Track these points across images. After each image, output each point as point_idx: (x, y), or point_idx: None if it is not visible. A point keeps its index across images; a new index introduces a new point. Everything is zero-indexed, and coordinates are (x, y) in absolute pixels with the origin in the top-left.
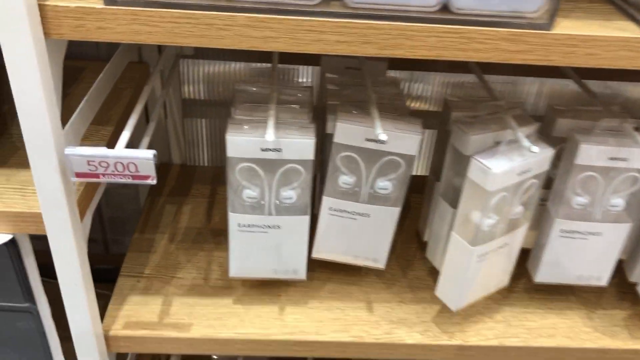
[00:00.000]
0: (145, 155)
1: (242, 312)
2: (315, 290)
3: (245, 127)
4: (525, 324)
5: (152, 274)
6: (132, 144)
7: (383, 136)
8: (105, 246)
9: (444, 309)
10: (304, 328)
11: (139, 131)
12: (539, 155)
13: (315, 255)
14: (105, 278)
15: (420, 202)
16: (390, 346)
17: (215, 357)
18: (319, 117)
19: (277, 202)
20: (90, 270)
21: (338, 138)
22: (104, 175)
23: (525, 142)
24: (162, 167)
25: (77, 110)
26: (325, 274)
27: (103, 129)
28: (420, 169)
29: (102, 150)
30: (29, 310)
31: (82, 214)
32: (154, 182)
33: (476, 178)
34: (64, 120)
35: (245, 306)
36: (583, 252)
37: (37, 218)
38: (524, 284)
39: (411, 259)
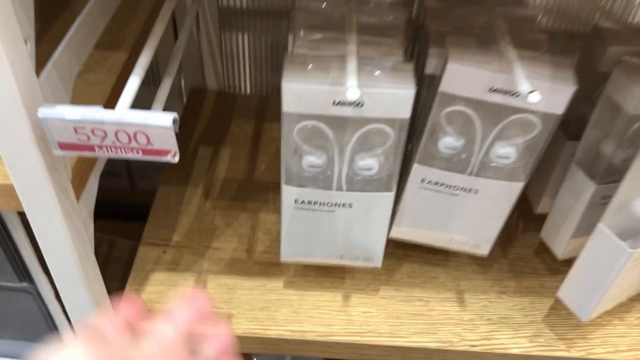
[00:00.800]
0: (160, 121)
1: (295, 300)
2: (390, 273)
3: (310, 66)
4: None
5: (182, 242)
6: (153, 77)
7: (535, 96)
8: (131, 181)
9: (558, 304)
10: (377, 327)
11: (165, 52)
12: None
13: (395, 235)
14: (131, 215)
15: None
16: (490, 356)
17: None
18: (413, 49)
19: (351, 173)
20: (97, 264)
21: (446, 86)
22: (100, 148)
23: None
24: (195, 94)
25: (63, 43)
26: (401, 249)
27: (110, 59)
28: None
29: (94, 112)
30: (27, 290)
31: (78, 190)
32: (176, 158)
33: None
34: (42, 62)
35: (300, 292)
36: None
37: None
38: None
39: (512, 232)
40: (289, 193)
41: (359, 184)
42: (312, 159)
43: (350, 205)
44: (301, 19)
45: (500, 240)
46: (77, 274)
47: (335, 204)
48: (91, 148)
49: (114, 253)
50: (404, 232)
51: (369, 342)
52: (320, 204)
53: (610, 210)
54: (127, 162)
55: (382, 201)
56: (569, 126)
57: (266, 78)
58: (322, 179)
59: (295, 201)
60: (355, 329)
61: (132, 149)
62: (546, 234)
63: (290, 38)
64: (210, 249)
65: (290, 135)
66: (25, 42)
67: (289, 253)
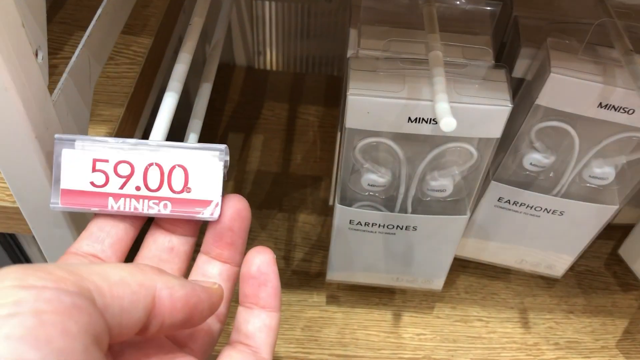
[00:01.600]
0: (208, 156)
1: (340, 318)
2: (445, 288)
3: (381, 74)
4: None
5: None
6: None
7: None
8: None
9: (633, 327)
10: (431, 352)
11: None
12: None
13: (462, 254)
14: None
15: None
16: None
17: None
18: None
19: (419, 193)
20: None
21: (545, 99)
22: (116, 198)
23: None
24: (222, 71)
25: (81, 42)
26: (456, 258)
27: (132, 45)
28: None
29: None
30: None
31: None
32: (216, 214)
33: None
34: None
35: (345, 309)
36: None
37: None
38: None
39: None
40: (343, 213)
41: (426, 205)
42: (374, 178)
43: (415, 229)
44: (366, 10)
45: None
46: None
47: (397, 227)
48: (104, 198)
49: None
50: (469, 251)
51: None
52: (379, 226)
53: None
54: None
55: (453, 225)
56: None
57: (301, 52)
58: (384, 199)
59: (350, 222)
60: (408, 355)
61: (159, 200)
62: (627, 251)
63: (352, 34)
64: None
65: (351, 152)
66: (36, 54)
67: (337, 273)
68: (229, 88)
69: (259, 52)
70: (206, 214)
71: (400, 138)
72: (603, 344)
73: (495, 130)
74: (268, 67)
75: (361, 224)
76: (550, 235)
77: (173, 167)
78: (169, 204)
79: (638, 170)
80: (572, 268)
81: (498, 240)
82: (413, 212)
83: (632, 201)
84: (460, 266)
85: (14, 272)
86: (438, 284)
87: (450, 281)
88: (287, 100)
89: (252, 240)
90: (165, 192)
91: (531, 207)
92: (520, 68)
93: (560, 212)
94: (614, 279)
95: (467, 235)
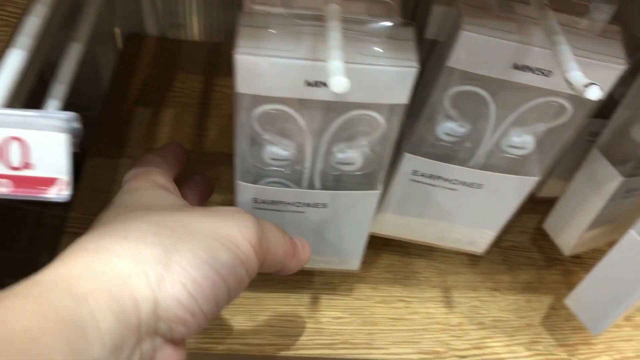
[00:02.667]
0: (51, 124)
1: (253, 305)
2: (365, 267)
3: (274, 31)
4: None
5: None
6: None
7: (594, 92)
8: None
9: (558, 303)
10: (350, 336)
11: None
12: None
13: (376, 231)
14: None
15: None
16: None
17: None
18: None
19: (327, 167)
20: None
21: (457, 60)
22: None
23: None
24: (132, 41)
25: None
26: (378, 237)
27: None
28: None
29: None
30: None
31: None
32: (64, 194)
33: None
34: None
35: (258, 295)
36: None
37: None
38: None
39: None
40: (245, 191)
41: (335, 180)
42: (276, 151)
43: (325, 206)
44: None
45: None
46: None
47: (306, 204)
48: None
49: (45, 221)
50: (387, 228)
51: (342, 356)
52: (285, 204)
53: None
54: None
55: (365, 201)
56: None
57: (218, 18)
58: (290, 174)
59: (254, 200)
60: (326, 340)
61: None
62: (551, 225)
63: None
64: None
65: (247, 121)
66: None
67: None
68: (138, 59)
69: (175, 23)
70: (51, 193)
71: (301, 105)
72: (528, 322)
73: (402, 96)
74: (183, 37)
75: (266, 202)
76: (469, 210)
77: (7, 140)
78: (8, 182)
79: (558, 139)
80: (497, 244)
81: (416, 216)
82: (323, 188)
83: (558, 173)
84: (382, 244)
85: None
86: (354, 264)
87: (371, 261)
88: (202, 73)
89: None
90: (0, 169)
91: (448, 180)
92: (433, 28)
93: (479, 185)
94: (540, 254)
95: (385, 211)
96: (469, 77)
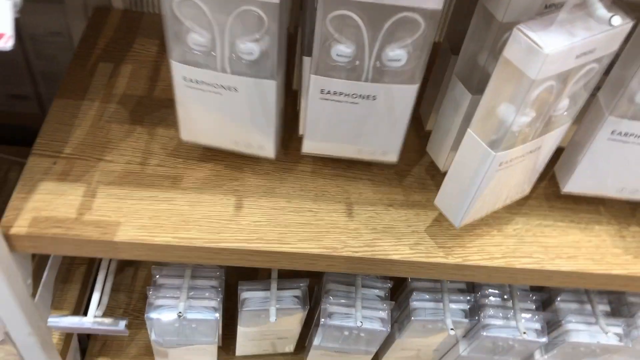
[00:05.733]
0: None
1: (186, 210)
2: (282, 184)
3: None
4: (541, 241)
5: (74, 154)
6: None
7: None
8: (40, 103)
9: (442, 217)
10: (265, 234)
11: None
12: (612, 30)
13: (307, 150)
14: None
15: (427, 79)
16: (370, 262)
17: None
18: None
19: (234, 56)
20: None
21: None
22: None
23: (600, 9)
24: (100, 13)
25: None
26: (297, 162)
27: None
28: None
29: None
30: None
31: None
32: (9, 44)
33: (515, 58)
34: None
35: (192, 202)
36: (632, 161)
37: None
38: (544, 189)
39: (406, 151)
40: (177, 70)
41: (242, 67)
42: (196, 37)
43: (236, 89)
44: None
45: None
46: None
47: (221, 86)
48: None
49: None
50: (314, 145)
51: (256, 248)
52: (207, 85)
53: (478, 117)
54: (35, 86)
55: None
56: (455, 41)
57: None
58: (207, 59)
59: (184, 78)
60: (244, 237)
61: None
62: (431, 147)
63: None
64: (103, 161)
65: (170, 8)
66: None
67: (186, 132)
68: (103, 29)
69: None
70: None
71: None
72: (414, 229)
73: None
74: (146, 10)
75: (192, 81)
76: (373, 122)
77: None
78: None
79: (424, 49)
80: (397, 172)
81: (334, 132)
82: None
83: (436, 108)
84: (299, 166)
85: None
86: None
87: (287, 180)
88: (159, 39)
89: (112, 149)
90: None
91: (349, 95)
92: None
93: (373, 97)
94: (432, 181)
95: (310, 131)
96: (341, 3)
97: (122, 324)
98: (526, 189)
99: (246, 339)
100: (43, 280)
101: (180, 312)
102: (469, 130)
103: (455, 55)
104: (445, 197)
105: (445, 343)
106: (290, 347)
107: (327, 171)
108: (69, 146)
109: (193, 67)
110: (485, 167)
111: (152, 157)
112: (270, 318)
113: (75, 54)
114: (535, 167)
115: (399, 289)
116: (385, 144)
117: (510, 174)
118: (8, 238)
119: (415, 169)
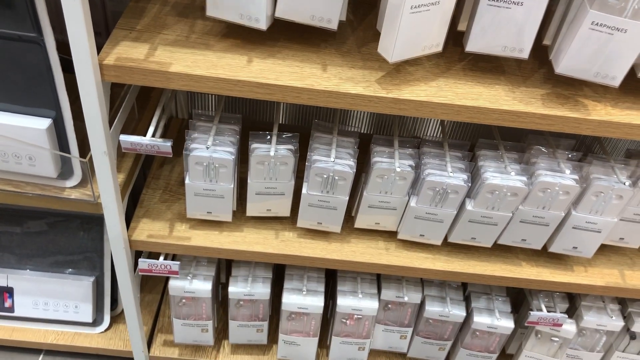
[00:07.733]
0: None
1: (215, 60)
2: (279, 52)
3: None
4: (454, 90)
5: (142, 29)
6: None
7: None
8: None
9: (388, 74)
10: (266, 75)
11: None
12: None
13: (279, 15)
14: None
15: None
16: (337, 94)
17: None
18: None
19: None
20: None
21: None
22: None
23: None
24: None
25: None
26: (290, 41)
27: None
28: None
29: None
30: (37, 41)
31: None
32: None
33: None
34: None
35: (219, 55)
36: (509, 23)
37: None
38: (462, 66)
39: (369, 41)
40: None
41: None
42: None
43: None
44: None
45: (358, 44)
46: None
47: None
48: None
49: None
50: (279, 10)
51: (260, 82)
52: None
53: None
54: (107, 23)
55: None
56: None
57: None
58: None
59: None
60: (253, 75)
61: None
62: (379, 23)
63: None
64: (161, 34)
65: None
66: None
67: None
68: None
69: None
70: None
71: None
72: (367, 79)
73: None
74: None
75: None
76: None
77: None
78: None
79: None
80: (359, 51)
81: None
82: None
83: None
84: (292, 44)
85: None
86: (261, 24)
87: (283, 50)
88: None
89: (167, 28)
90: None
91: None
92: None
93: None
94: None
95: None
96: None
97: (168, 143)
98: (440, 44)
99: (252, 193)
100: (121, 110)
101: (208, 145)
102: None
103: None
104: (382, 43)
105: (398, 192)
106: (286, 209)
107: (309, 47)
108: (140, 25)
109: None
110: (402, 10)
111: (194, 35)
112: (270, 152)
113: None
114: (443, 21)
115: (366, 153)
116: (328, 12)
117: (421, 19)
118: (101, 68)
119: (374, 50)
